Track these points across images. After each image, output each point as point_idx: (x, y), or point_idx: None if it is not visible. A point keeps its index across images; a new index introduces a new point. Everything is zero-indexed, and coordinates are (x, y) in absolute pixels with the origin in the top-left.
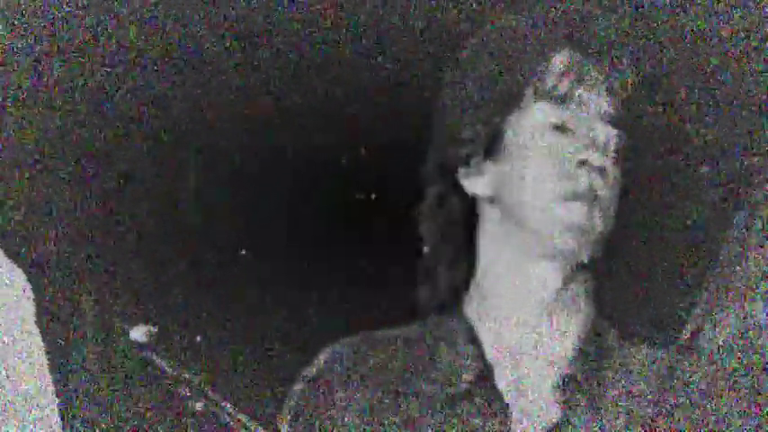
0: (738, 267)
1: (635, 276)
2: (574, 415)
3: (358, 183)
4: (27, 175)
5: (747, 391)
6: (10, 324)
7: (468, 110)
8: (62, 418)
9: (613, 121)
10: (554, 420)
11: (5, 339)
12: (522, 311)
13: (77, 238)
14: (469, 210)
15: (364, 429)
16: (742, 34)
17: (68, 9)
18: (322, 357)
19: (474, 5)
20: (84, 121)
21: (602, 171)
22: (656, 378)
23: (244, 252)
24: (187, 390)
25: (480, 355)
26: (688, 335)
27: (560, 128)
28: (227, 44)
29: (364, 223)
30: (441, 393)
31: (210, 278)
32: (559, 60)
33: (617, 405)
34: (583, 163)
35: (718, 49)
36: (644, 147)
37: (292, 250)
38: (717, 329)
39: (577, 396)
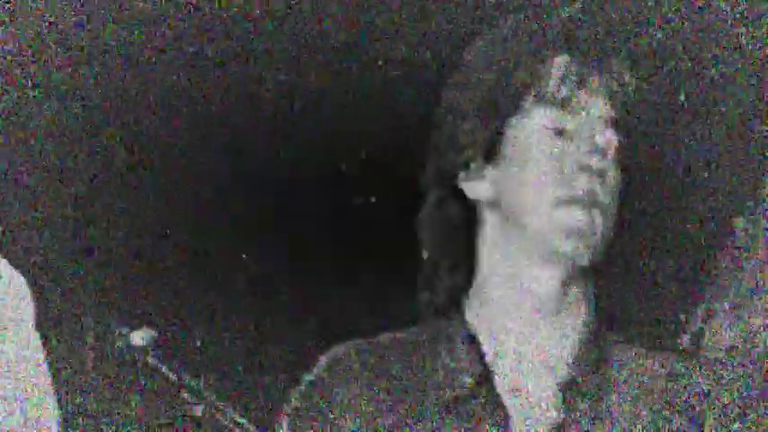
0: (739, 272)
1: (636, 280)
2: (574, 419)
3: (358, 187)
4: (27, 179)
5: (748, 394)
6: (10, 328)
7: (468, 114)
8: (62, 423)
9: (613, 125)
10: (554, 424)
11: (5, 344)
12: (522, 315)
13: (77, 242)
14: (469, 214)
15: None
16: (743, 37)
17: (65, 13)
18: (322, 361)
19: (475, 10)
20: (84, 124)
21: (602, 175)
22: (657, 382)
23: (244, 256)
24: (187, 393)
25: (480, 359)
26: (689, 339)
27: (560, 132)
28: (230, 47)
29: (364, 227)
30: (441, 397)
31: (211, 282)
32: (559, 65)
33: (617, 409)
34: (583, 167)
35: (718, 51)
36: (644, 151)
37: (293, 254)
38: (717, 333)
39: (577, 400)
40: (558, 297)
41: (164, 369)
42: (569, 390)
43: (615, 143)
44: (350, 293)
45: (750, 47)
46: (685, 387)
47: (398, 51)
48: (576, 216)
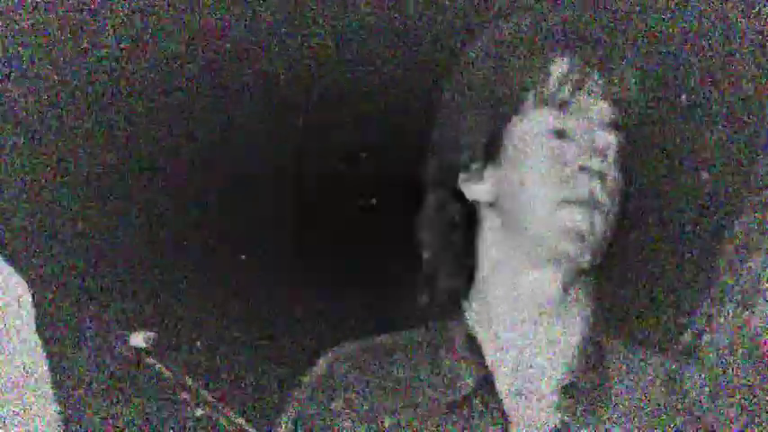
0: (739, 272)
1: (636, 281)
2: (574, 421)
3: (358, 188)
4: (28, 180)
5: (748, 396)
6: (10, 330)
7: (468, 116)
8: (62, 424)
9: (614, 127)
10: (554, 426)
11: (6, 346)
12: (523, 317)
13: (77, 244)
14: (470, 215)
15: None
16: (743, 38)
17: (72, 13)
18: (322, 363)
19: (475, 10)
20: (85, 125)
21: (602, 176)
22: (657, 383)
23: (244, 257)
24: (187, 395)
25: (480, 361)
26: (689, 340)
27: (560, 134)
28: (230, 48)
29: (364, 229)
30: (441, 399)
31: (211, 283)
32: (560, 67)
33: (617, 411)
34: (583, 169)
35: (719, 53)
36: (644, 152)
37: (293, 256)
38: (718, 334)
39: (577, 401)
40: (559, 298)
41: (163, 370)
42: (569, 391)
43: (615, 144)
44: (350, 294)
45: (751, 47)
46: (685, 388)
47: (399, 51)
48: (577, 217)
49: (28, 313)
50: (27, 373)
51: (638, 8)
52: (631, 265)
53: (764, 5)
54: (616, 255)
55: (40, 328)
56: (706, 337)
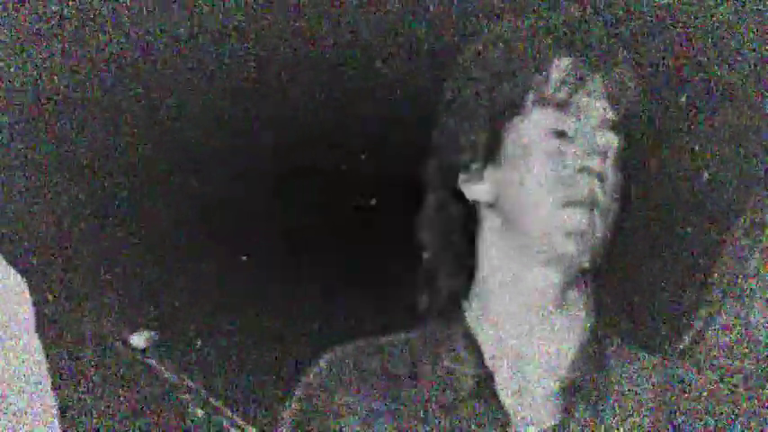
0: (739, 273)
1: (636, 282)
2: (574, 420)
3: (358, 188)
4: (27, 180)
5: (748, 396)
6: (10, 330)
7: (468, 116)
8: (62, 425)
9: (614, 127)
10: (554, 426)
11: (6, 346)
12: (523, 317)
13: (78, 245)
14: (470, 216)
15: None
16: (744, 39)
17: (68, 11)
18: (322, 363)
19: (475, 11)
20: (83, 125)
21: (601, 177)
22: (657, 384)
23: (244, 258)
24: (187, 395)
25: (480, 361)
26: (689, 340)
27: (560, 134)
28: (229, 47)
29: (364, 229)
30: (441, 399)
31: (211, 284)
32: (560, 67)
33: (617, 411)
34: (583, 169)
35: (719, 54)
36: (644, 153)
37: (292, 256)
38: (717, 335)
39: (577, 401)
40: (559, 298)
41: (163, 371)
42: (569, 391)
43: (615, 145)
44: (350, 294)
45: (751, 47)
46: (685, 388)
47: (399, 51)
48: (576, 218)
49: (28, 313)
50: (27, 373)
51: (638, 8)
52: (632, 265)
53: (763, 6)
54: (616, 255)
55: (39, 328)
56: (705, 338)
